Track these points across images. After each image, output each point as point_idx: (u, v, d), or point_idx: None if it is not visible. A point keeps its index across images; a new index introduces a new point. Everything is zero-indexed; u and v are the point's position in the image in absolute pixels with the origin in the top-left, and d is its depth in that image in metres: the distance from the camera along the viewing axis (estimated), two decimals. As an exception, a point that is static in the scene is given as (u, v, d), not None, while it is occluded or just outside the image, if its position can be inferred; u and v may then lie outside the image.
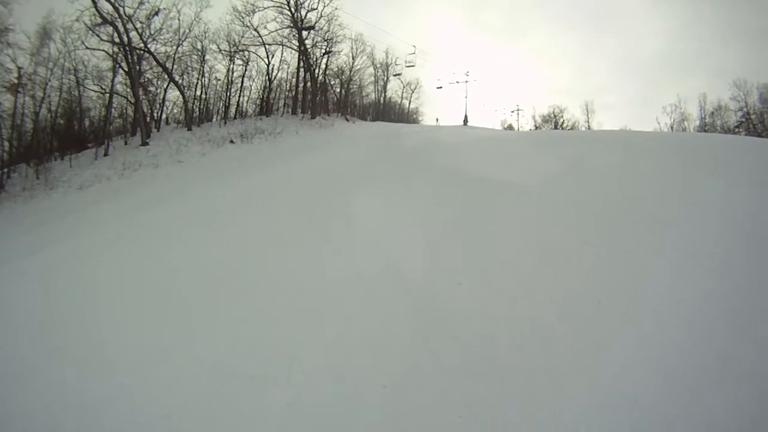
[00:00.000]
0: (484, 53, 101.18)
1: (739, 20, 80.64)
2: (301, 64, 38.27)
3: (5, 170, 24.52)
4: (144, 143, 27.74)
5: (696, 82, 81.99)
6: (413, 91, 54.02)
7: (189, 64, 34.92)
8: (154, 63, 32.05)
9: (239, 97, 38.42)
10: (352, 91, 44.91)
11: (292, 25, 36.34)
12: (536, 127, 55.82)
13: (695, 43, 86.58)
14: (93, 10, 27.84)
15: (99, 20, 28.33)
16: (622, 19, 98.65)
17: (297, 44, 37.15)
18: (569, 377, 4.66)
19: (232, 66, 37.36)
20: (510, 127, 55.47)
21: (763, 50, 68.90)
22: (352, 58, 43.10)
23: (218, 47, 35.99)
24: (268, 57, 37.97)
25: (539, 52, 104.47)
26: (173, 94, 35.59)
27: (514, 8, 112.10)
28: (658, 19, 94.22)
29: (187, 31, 33.03)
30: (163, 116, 35.65)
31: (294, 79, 39.54)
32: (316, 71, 39.03)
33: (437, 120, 50.15)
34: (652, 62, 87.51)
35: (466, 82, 47.56)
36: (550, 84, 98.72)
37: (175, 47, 32.78)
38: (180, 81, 34.04)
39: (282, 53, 39.03)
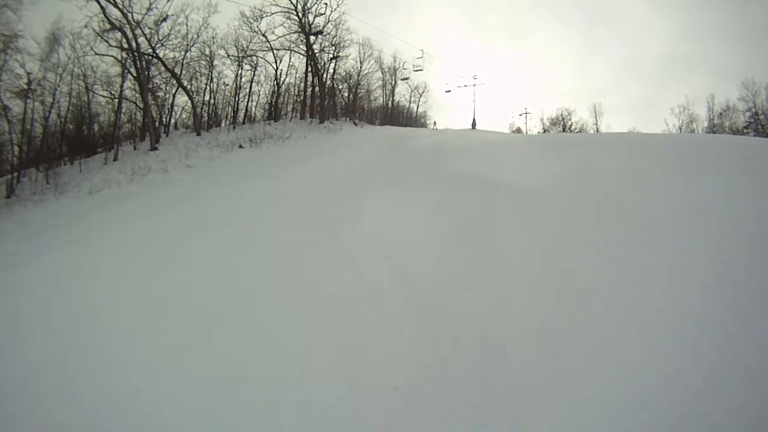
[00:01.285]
0: (487, 57, 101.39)
1: (743, 20, 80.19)
2: (309, 68, 38.52)
3: (15, 175, 24.75)
4: (153, 148, 27.93)
5: (702, 82, 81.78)
6: (421, 95, 54.16)
7: (197, 69, 35.31)
8: (163, 68, 32.38)
9: (248, 102, 38.82)
10: (360, 95, 45.08)
11: (299, 30, 36.59)
12: (544, 130, 55.68)
13: (700, 44, 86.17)
14: (102, 16, 28.21)
15: (108, 26, 28.66)
16: (624, 21, 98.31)
17: (305, 49, 37.43)
18: (578, 379, 4.66)
19: (240, 71, 37.75)
20: (518, 131, 55.38)
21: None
22: (360, 63, 43.29)
23: (226, 52, 36.37)
24: (276, 62, 38.33)
25: (541, 54, 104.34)
26: (182, 99, 35.97)
27: (514, 11, 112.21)
28: (661, 20, 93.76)
29: (196, 36, 33.43)
30: (172, 121, 36.06)
31: (302, 84, 39.87)
32: (324, 76, 39.21)
33: (434, 124, 49.86)
34: (657, 63, 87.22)
35: (474, 85, 47.57)
36: (553, 86, 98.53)
37: (183, 53, 33.16)
38: (188, 86, 34.39)
39: (290, 58, 39.39)
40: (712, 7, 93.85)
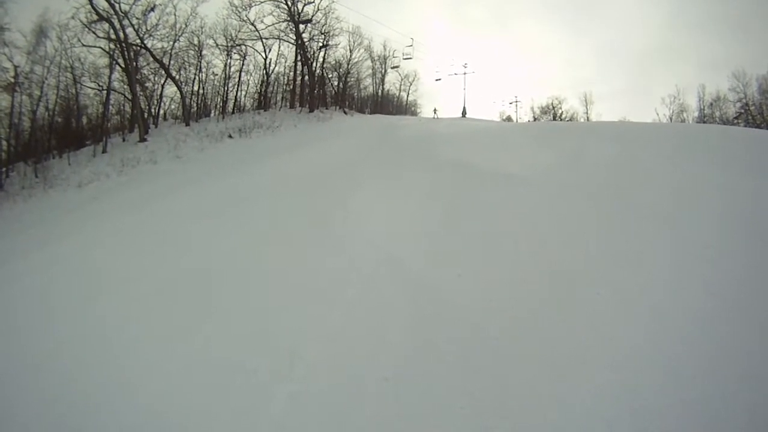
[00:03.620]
0: (476, 47, 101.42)
1: (733, 11, 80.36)
2: (299, 57, 38.31)
3: (4, 169, 24.50)
4: (142, 139, 27.72)
5: (692, 72, 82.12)
6: (411, 83, 54.06)
7: (186, 59, 34.92)
8: (151, 59, 32.00)
9: (237, 91, 38.48)
10: (350, 84, 44.84)
11: (288, 18, 36.37)
12: (535, 119, 55.73)
13: (688, 34, 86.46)
14: (89, 7, 27.90)
15: (95, 17, 28.35)
16: (611, 9, 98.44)
17: (294, 38, 37.20)
18: (569, 367, 4.68)
19: (229, 61, 37.42)
20: (509, 119, 55.46)
21: (759, 40, 68.66)
22: (350, 51, 43.07)
23: (215, 42, 36.02)
24: (265, 51, 38.04)
25: (529, 45, 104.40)
26: (170, 89, 35.53)
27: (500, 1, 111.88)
28: (648, 9, 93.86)
29: (184, 26, 32.98)
30: (161, 112, 35.60)
31: (291, 73, 39.57)
32: (314, 65, 39.05)
33: (435, 111, 49.66)
34: (645, 53, 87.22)
35: (464, 74, 47.63)
36: (542, 76, 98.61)
37: (171, 43, 32.76)
38: (177, 76, 34.06)
39: (279, 47, 39.10)
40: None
